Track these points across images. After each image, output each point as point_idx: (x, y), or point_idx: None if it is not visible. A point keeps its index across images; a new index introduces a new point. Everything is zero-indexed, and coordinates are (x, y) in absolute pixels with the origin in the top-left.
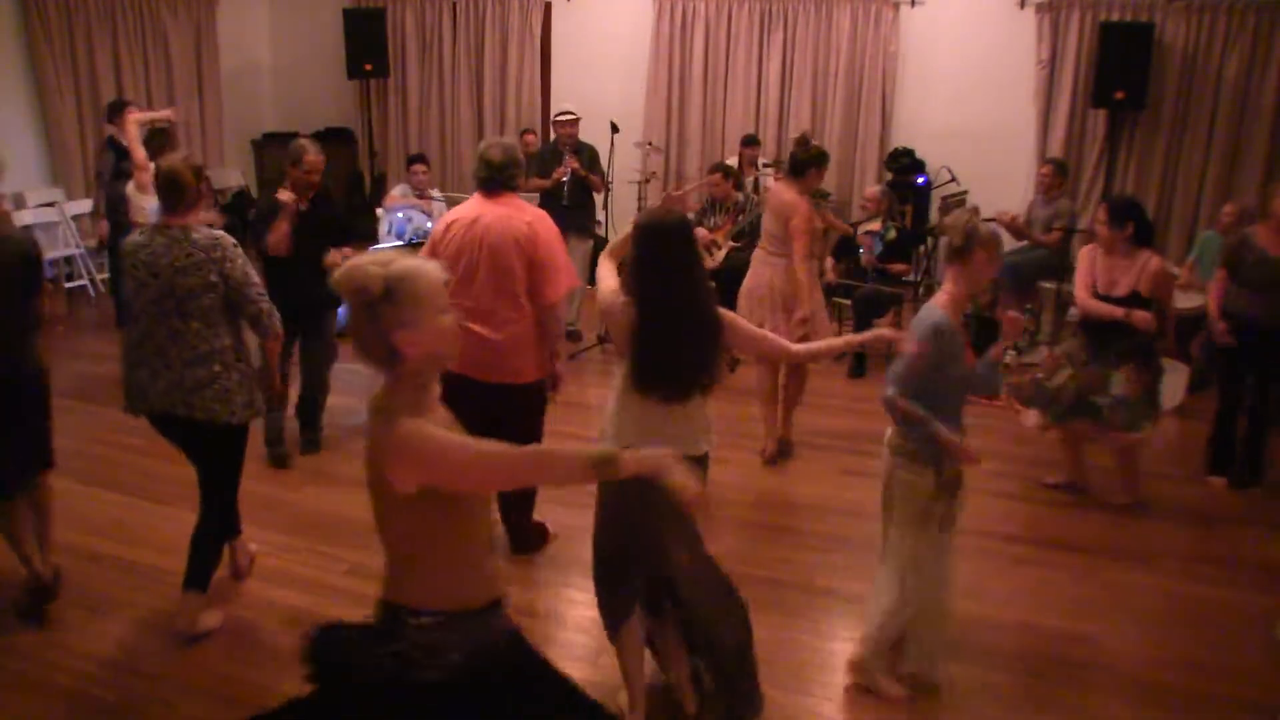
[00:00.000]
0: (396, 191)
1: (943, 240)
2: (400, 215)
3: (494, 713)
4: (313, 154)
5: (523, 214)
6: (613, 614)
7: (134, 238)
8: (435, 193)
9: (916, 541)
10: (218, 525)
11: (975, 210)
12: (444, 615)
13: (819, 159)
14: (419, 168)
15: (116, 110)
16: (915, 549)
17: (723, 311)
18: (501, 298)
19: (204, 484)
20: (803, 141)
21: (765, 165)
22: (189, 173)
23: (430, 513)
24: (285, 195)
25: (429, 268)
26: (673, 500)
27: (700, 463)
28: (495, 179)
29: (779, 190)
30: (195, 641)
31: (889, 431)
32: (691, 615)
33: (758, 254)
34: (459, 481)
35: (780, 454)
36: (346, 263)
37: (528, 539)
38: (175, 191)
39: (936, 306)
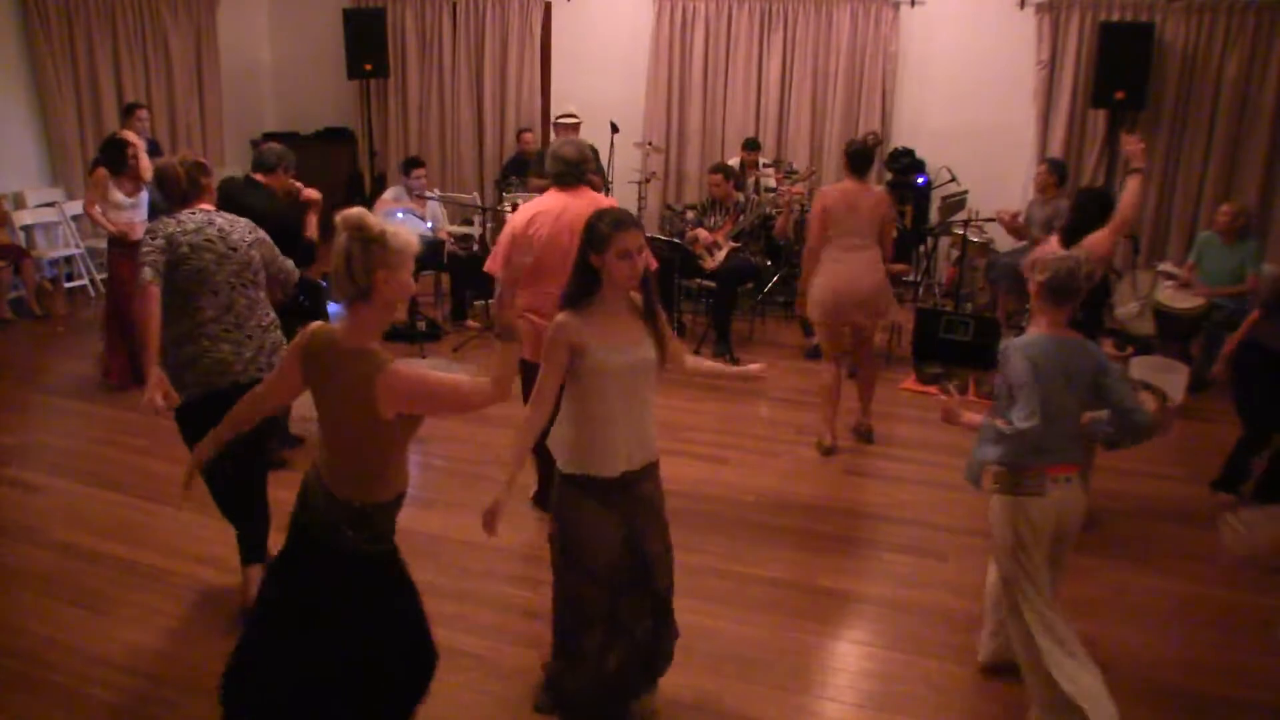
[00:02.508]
0: (389, 195)
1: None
2: (400, 216)
3: (406, 587)
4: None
5: (603, 204)
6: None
7: (185, 221)
8: (433, 192)
9: None
10: (262, 487)
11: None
12: (382, 503)
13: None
14: (419, 171)
15: (129, 113)
16: None
17: None
18: None
19: (248, 452)
20: (874, 140)
21: (765, 165)
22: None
23: (398, 431)
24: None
25: (413, 237)
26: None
27: None
28: (571, 173)
29: (859, 187)
30: None
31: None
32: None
33: (835, 253)
34: (436, 409)
35: (863, 438)
36: (352, 209)
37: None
38: (201, 181)
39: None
